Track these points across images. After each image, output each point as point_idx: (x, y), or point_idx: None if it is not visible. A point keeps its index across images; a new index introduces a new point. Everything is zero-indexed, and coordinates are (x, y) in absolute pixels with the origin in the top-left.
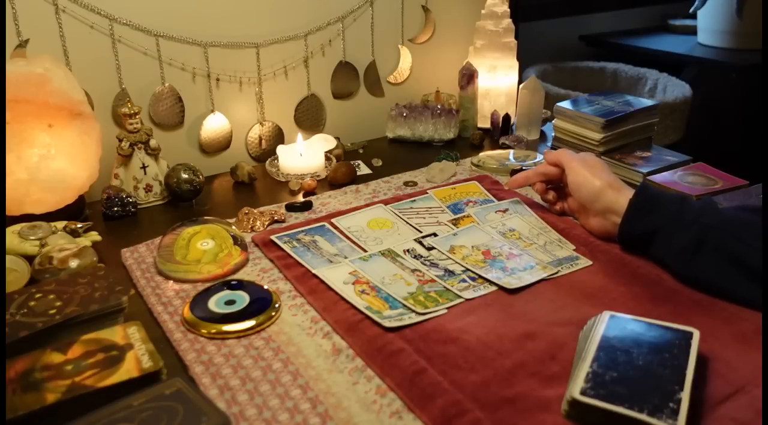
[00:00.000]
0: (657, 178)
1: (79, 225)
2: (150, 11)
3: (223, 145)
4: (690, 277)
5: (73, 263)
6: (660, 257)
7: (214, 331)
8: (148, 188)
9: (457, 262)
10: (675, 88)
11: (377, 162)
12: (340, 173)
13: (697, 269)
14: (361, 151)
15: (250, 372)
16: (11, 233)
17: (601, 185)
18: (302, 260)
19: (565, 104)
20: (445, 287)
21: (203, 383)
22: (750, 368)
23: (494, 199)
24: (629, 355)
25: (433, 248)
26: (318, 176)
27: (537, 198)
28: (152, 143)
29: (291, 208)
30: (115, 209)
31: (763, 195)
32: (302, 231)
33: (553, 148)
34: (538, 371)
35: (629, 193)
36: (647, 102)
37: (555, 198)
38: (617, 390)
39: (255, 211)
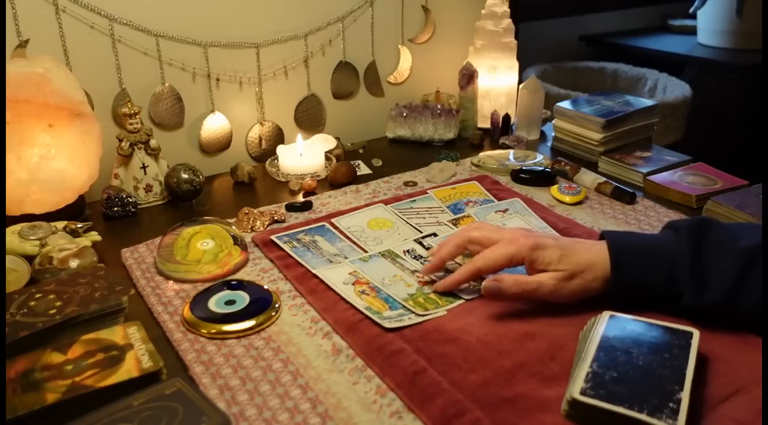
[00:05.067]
0: (657, 178)
1: (79, 225)
2: (150, 11)
3: (223, 145)
4: None
5: (73, 263)
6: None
7: (214, 331)
8: (148, 188)
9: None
10: (675, 88)
11: (377, 162)
12: (340, 173)
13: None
14: (361, 151)
15: (250, 372)
16: (11, 233)
17: (576, 287)
18: (302, 260)
19: (565, 104)
20: None
21: (203, 383)
22: (750, 368)
23: (494, 199)
24: (629, 355)
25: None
26: (318, 176)
27: (537, 198)
28: (152, 143)
29: (291, 208)
30: (115, 209)
31: (763, 195)
32: (302, 231)
33: (553, 149)
34: (538, 371)
35: (599, 268)
36: (647, 102)
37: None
38: (617, 390)
39: (255, 211)
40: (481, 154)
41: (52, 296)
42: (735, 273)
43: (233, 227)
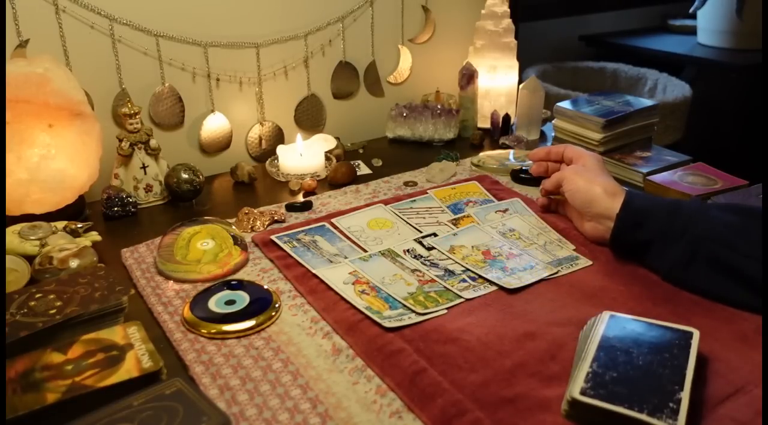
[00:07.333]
0: (657, 178)
1: (79, 225)
2: (150, 11)
3: (223, 145)
4: (687, 287)
5: (73, 263)
6: (655, 268)
7: (214, 331)
8: (148, 188)
9: (457, 262)
10: (675, 88)
11: (377, 162)
12: (340, 173)
13: (692, 281)
14: (361, 151)
15: (250, 372)
16: (11, 233)
17: (598, 191)
18: (302, 260)
19: (565, 104)
20: (445, 287)
21: (203, 383)
22: (750, 368)
23: (494, 199)
24: (629, 355)
25: (433, 248)
26: (318, 176)
27: (537, 198)
28: (152, 143)
29: (291, 208)
30: (115, 209)
31: (763, 195)
32: (302, 231)
33: None
34: (538, 371)
35: (611, 190)
36: (647, 102)
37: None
38: (617, 390)
39: (255, 211)
40: (481, 154)
41: (52, 296)
42: (737, 218)
43: (233, 227)
